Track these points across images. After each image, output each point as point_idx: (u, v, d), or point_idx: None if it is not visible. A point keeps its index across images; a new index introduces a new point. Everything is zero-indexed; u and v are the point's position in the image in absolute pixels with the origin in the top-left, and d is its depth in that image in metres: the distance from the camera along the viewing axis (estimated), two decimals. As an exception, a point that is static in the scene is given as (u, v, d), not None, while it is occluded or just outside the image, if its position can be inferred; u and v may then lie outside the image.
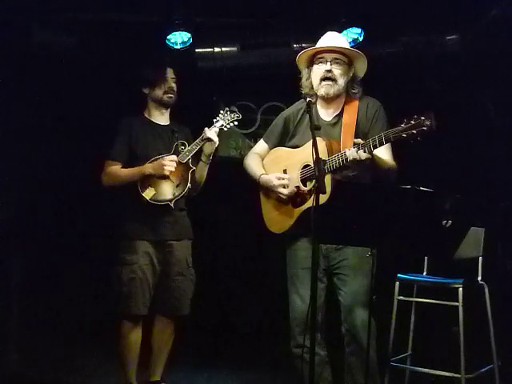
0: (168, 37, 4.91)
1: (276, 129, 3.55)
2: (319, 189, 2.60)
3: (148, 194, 3.67)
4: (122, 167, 3.79)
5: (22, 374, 4.36)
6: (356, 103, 3.32)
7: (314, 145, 2.74)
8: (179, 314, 3.86)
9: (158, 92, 3.89)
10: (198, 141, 3.78)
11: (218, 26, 5.09)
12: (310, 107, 2.95)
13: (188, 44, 4.95)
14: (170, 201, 3.69)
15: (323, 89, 3.29)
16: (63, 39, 4.96)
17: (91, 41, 5.01)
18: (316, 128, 2.85)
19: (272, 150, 3.55)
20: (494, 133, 4.87)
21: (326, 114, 3.38)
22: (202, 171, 3.86)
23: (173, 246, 3.79)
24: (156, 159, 3.74)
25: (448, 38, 4.93)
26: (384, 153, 3.21)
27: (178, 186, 3.74)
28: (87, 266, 5.30)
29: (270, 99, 5.66)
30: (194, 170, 3.80)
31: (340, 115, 3.34)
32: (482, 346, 3.82)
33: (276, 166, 3.45)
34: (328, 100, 3.35)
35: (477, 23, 4.72)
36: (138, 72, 3.97)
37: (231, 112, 3.89)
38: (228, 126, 3.88)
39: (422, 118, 2.76)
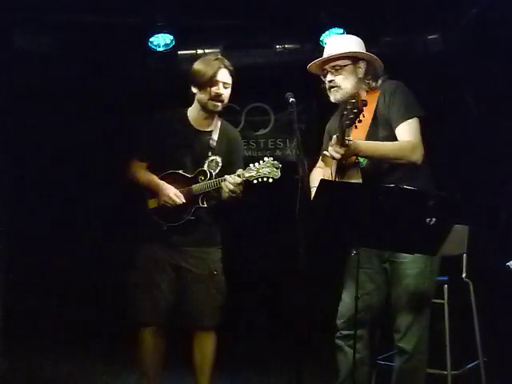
0: (151, 39, 4.92)
1: (324, 142, 3.50)
2: (302, 187, 2.63)
3: (151, 203, 3.48)
4: (149, 166, 3.51)
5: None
6: (376, 94, 3.21)
7: (297, 143, 2.78)
8: (198, 326, 3.50)
9: (204, 96, 3.41)
10: (215, 181, 3.35)
11: (200, 28, 5.09)
12: (292, 107, 2.97)
13: (171, 46, 4.96)
14: (164, 225, 3.43)
15: (331, 96, 3.25)
16: (46, 41, 4.95)
17: (74, 43, 5.00)
18: (299, 129, 2.88)
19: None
20: (477, 131, 4.90)
21: None
22: (230, 198, 3.40)
23: (189, 252, 3.47)
24: (175, 175, 3.43)
25: (429, 37, 4.97)
26: (402, 132, 3.07)
27: (177, 212, 3.41)
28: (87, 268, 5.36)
29: (254, 100, 5.68)
30: (202, 207, 3.42)
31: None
32: (468, 342, 3.84)
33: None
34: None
35: (458, 22, 4.76)
36: (192, 66, 3.48)
37: (272, 166, 3.24)
38: (259, 181, 3.26)
39: (352, 101, 2.75)
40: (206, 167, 3.44)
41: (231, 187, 3.26)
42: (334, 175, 3.10)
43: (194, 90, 3.47)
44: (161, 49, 4.95)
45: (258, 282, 5.23)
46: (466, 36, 4.73)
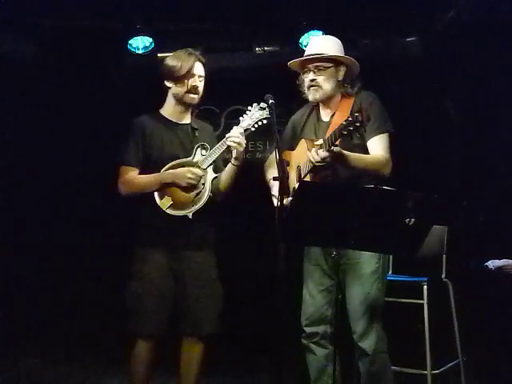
0: (129, 42, 4.90)
1: (286, 134, 3.52)
2: (282, 190, 2.63)
3: (164, 203, 3.33)
4: (140, 172, 3.41)
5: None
6: (351, 100, 3.27)
7: (277, 147, 2.82)
8: (200, 333, 3.38)
9: (181, 89, 3.43)
10: (220, 144, 3.36)
11: (180, 31, 5.09)
12: (272, 109, 2.98)
13: (150, 49, 4.95)
14: (189, 213, 3.32)
15: (310, 95, 3.30)
16: (23, 46, 4.92)
17: (51, 47, 4.97)
18: (278, 131, 2.89)
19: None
20: (454, 132, 4.95)
21: (325, 114, 3.36)
22: (229, 174, 3.41)
23: (189, 256, 3.37)
24: (177, 166, 3.36)
25: (408, 40, 5.01)
26: (375, 145, 3.16)
27: (197, 195, 3.35)
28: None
29: (234, 103, 5.67)
30: (216, 177, 3.40)
31: (334, 114, 3.31)
32: (447, 342, 3.87)
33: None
34: (324, 101, 3.34)
35: (436, 25, 4.80)
36: (165, 62, 3.49)
37: (261, 109, 3.36)
38: (256, 126, 3.36)
39: (356, 114, 2.78)
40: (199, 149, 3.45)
41: (237, 139, 3.29)
42: (304, 173, 3.13)
43: (169, 84, 3.47)
44: (140, 51, 4.94)
45: (237, 284, 5.21)
46: (444, 39, 4.77)
